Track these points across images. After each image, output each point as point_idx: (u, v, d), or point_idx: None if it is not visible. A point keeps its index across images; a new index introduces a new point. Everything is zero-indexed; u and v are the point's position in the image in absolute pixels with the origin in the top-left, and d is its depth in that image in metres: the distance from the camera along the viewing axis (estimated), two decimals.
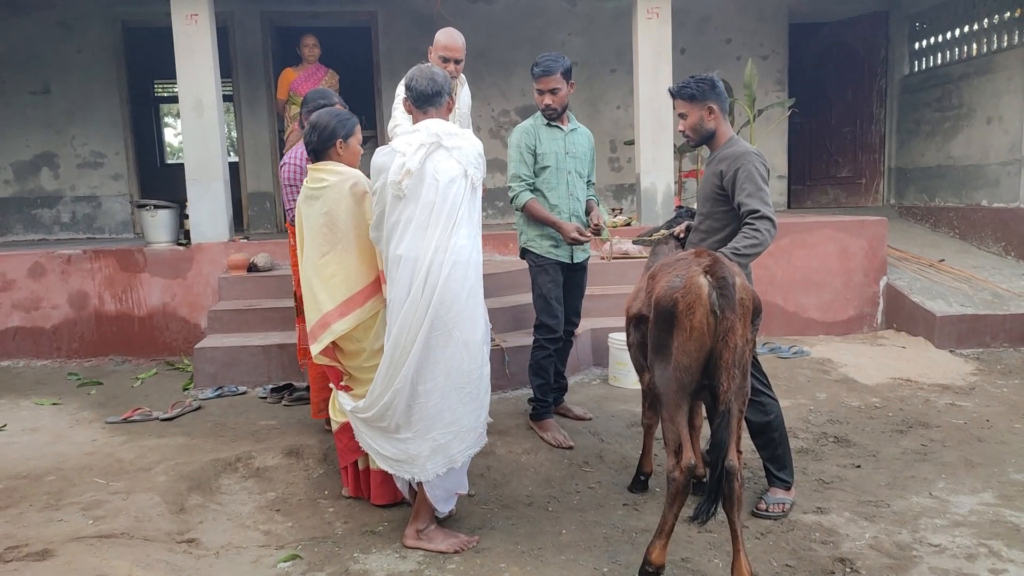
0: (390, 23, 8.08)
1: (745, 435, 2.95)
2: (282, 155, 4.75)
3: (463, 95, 4.29)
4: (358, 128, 3.29)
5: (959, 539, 2.94)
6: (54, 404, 4.81)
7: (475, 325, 2.89)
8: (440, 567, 2.79)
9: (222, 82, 6.22)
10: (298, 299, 4.17)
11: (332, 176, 3.15)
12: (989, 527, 3.03)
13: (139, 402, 4.75)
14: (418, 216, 2.79)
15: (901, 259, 6.84)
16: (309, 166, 3.28)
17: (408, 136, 2.89)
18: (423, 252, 2.78)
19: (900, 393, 4.78)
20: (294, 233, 3.97)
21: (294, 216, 3.86)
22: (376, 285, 3.14)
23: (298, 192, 3.85)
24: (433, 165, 2.81)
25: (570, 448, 3.88)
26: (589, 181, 4.22)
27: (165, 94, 12.67)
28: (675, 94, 3.29)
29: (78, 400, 4.90)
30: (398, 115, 3.96)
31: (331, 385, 3.33)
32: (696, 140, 3.32)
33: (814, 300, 6.34)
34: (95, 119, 7.96)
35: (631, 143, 6.88)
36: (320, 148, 3.19)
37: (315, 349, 3.12)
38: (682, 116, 3.29)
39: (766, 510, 3.17)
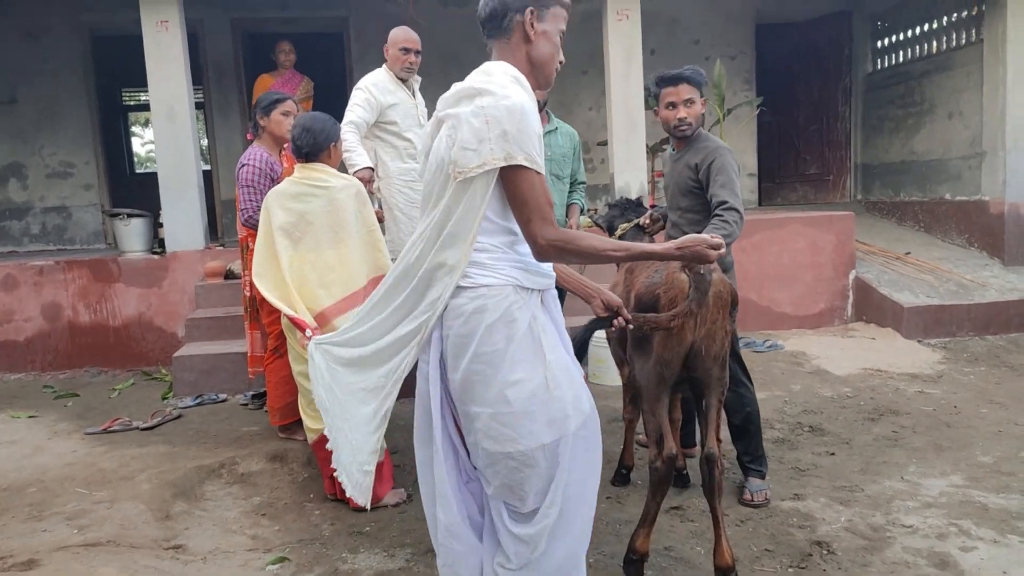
0: (362, 28, 8.08)
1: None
2: None
3: (418, 95, 4.42)
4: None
5: (930, 520, 3.04)
6: (31, 417, 4.74)
7: None
8: (429, 563, 2.82)
9: (193, 89, 6.19)
10: (252, 304, 4.14)
11: (335, 179, 3.27)
12: (959, 507, 3.14)
13: (117, 413, 4.71)
14: None
15: (869, 253, 7.00)
16: (299, 165, 3.32)
17: None
18: None
19: (871, 383, 4.90)
20: (251, 235, 3.94)
21: (249, 217, 3.88)
22: (373, 286, 3.09)
23: (259, 194, 3.87)
24: None
25: None
26: (575, 181, 4.23)
27: (132, 102, 12.50)
28: (686, 79, 3.22)
29: (55, 412, 4.84)
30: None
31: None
32: (692, 130, 3.30)
33: (786, 295, 6.47)
34: (64, 129, 7.85)
35: (604, 144, 6.96)
36: (315, 150, 3.28)
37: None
38: (688, 103, 3.25)
39: (751, 500, 3.22)
